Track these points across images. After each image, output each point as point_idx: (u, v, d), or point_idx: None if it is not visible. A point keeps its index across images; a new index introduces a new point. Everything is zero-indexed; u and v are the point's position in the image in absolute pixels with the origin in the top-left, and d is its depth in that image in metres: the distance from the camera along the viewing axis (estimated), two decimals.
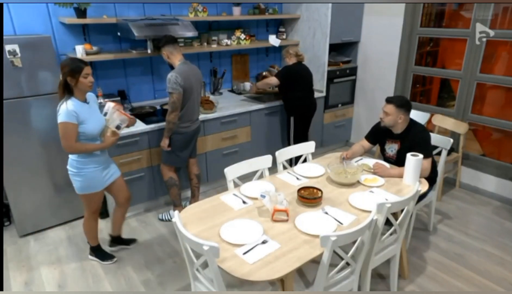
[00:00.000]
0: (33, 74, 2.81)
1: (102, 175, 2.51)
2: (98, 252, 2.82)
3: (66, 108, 2.24)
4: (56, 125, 2.96)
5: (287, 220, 2.03)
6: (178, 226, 1.76)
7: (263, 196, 2.08)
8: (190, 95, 2.97)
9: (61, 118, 2.25)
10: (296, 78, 3.66)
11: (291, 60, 3.68)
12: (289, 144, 3.92)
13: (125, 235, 3.16)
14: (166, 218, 3.37)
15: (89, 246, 2.83)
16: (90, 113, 2.37)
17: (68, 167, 2.46)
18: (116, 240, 2.96)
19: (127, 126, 2.61)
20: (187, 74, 2.91)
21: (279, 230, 1.96)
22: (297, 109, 3.81)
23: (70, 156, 2.43)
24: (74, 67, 2.24)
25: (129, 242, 3.01)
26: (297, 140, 3.82)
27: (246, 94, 4.24)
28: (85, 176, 2.43)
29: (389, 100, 2.60)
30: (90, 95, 2.45)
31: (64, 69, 2.25)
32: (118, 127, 2.48)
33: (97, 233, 2.78)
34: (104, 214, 3.37)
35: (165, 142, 3.01)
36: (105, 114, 2.49)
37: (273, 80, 3.70)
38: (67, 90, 2.29)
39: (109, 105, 2.50)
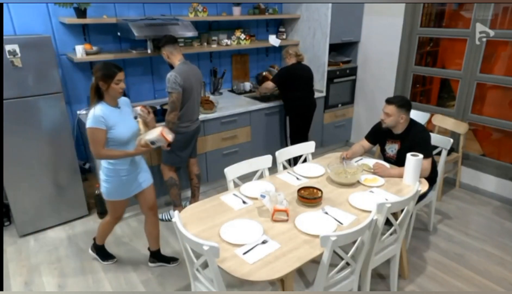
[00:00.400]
0: (33, 74, 2.81)
1: (130, 183, 2.44)
2: (100, 251, 2.82)
3: (94, 114, 2.18)
4: (56, 125, 3.01)
5: (287, 220, 2.03)
6: (178, 226, 1.76)
7: (263, 196, 2.08)
8: (190, 95, 2.96)
9: (88, 123, 2.19)
10: (293, 78, 3.67)
11: (290, 61, 3.69)
12: (286, 145, 3.93)
13: (124, 235, 3.17)
14: (166, 218, 3.37)
15: (93, 242, 2.82)
16: (121, 118, 2.29)
17: (100, 171, 2.42)
18: (155, 256, 2.78)
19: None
20: (187, 74, 2.91)
21: (279, 230, 1.96)
22: (296, 109, 3.82)
23: (102, 162, 2.37)
24: (106, 72, 2.17)
25: (170, 260, 2.81)
26: (294, 140, 3.85)
27: (246, 94, 4.26)
28: (112, 183, 2.38)
29: (389, 101, 2.60)
30: (122, 99, 2.39)
31: (96, 74, 2.19)
32: (152, 143, 2.30)
33: (107, 236, 2.77)
34: (104, 214, 3.38)
35: None
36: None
37: (270, 84, 3.75)
38: (98, 95, 2.23)
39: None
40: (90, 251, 2.87)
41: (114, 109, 2.29)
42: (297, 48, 3.73)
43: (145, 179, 2.54)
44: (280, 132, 4.18)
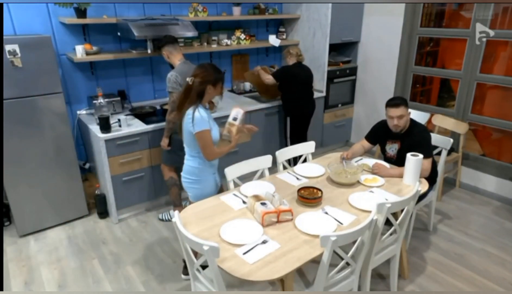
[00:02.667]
0: (33, 74, 2.81)
1: (216, 181, 2.43)
2: None
3: (200, 116, 2.16)
4: (56, 125, 3.00)
5: (291, 220, 2.03)
6: (178, 226, 1.75)
7: (263, 204, 2.04)
8: None
9: (198, 127, 2.15)
10: (292, 79, 3.68)
11: (291, 60, 3.70)
12: (286, 145, 3.94)
13: (125, 235, 3.17)
14: (166, 218, 3.37)
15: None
16: (212, 119, 2.33)
17: (185, 174, 2.35)
18: None
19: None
20: (187, 74, 2.90)
21: (279, 230, 1.96)
22: (294, 110, 3.84)
23: (189, 163, 2.32)
24: (219, 77, 2.22)
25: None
26: (294, 141, 3.86)
27: (246, 94, 4.26)
28: (204, 183, 2.34)
29: (397, 104, 2.57)
30: None
31: (207, 77, 2.18)
32: (234, 119, 2.38)
33: None
34: (104, 214, 3.38)
35: (165, 141, 3.02)
36: (234, 119, 2.39)
37: (270, 79, 3.69)
38: (199, 97, 2.21)
39: (239, 112, 2.41)
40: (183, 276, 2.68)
41: (208, 110, 2.32)
42: (298, 48, 3.73)
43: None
44: (279, 132, 4.18)
